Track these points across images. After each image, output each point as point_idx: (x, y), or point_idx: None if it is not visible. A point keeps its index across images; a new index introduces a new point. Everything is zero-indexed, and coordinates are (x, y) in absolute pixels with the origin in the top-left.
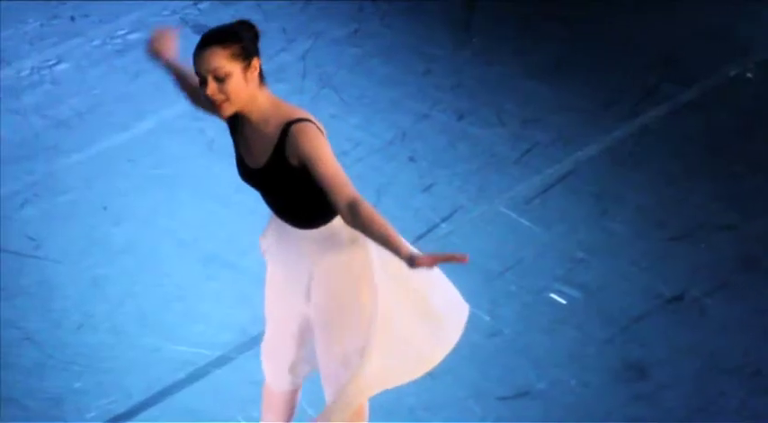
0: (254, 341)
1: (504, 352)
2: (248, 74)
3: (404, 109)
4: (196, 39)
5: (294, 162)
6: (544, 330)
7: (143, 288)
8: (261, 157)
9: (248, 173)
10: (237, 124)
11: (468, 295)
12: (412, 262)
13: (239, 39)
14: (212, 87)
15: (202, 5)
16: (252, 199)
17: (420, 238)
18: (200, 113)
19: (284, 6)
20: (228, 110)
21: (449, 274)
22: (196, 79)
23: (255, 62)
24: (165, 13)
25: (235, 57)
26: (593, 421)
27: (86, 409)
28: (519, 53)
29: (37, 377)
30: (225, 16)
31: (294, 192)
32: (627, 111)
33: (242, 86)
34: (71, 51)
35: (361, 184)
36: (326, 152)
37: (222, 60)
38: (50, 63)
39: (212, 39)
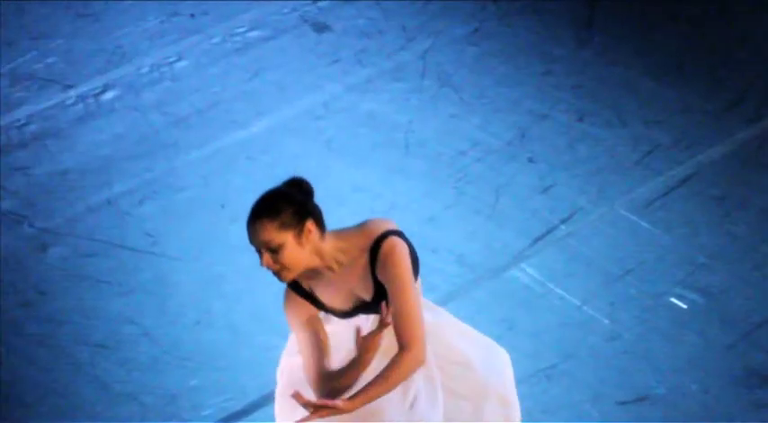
0: None
1: (624, 356)
2: (303, 238)
3: (523, 109)
4: (316, 37)
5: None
6: (664, 335)
7: (259, 286)
8: (361, 295)
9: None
10: (303, 285)
11: (587, 298)
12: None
13: (289, 204)
14: (267, 259)
15: (322, 3)
16: (369, 197)
17: (538, 239)
18: (320, 112)
19: (404, 5)
20: (288, 277)
21: (567, 276)
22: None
23: (310, 225)
24: (285, 11)
25: (285, 226)
26: None
27: (202, 407)
28: (641, 53)
29: (153, 373)
30: (344, 14)
31: None
32: (751, 112)
33: (297, 253)
34: (191, 49)
35: (479, 185)
36: (408, 280)
37: (272, 233)
38: (170, 60)
39: (261, 211)
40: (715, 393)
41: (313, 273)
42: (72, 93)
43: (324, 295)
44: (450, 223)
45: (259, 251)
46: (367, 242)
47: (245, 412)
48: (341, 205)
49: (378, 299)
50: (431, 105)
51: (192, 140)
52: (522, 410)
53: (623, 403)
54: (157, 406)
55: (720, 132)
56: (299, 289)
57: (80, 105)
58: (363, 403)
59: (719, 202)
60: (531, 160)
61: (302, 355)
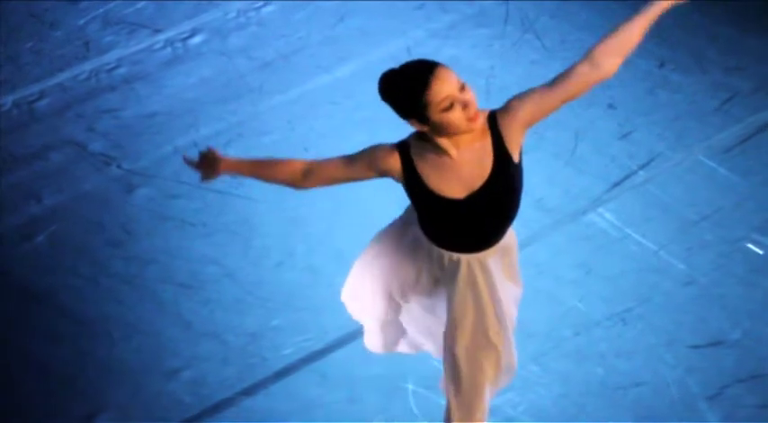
0: None
1: (698, 301)
2: None
3: None
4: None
5: (515, 149)
6: (740, 280)
7: (341, 228)
8: (479, 174)
9: (460, 204)
10: (416, 168)
11: (663, 242)
12: None
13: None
14: (465, 97)
15: None
16: None
17: (616, 185)
18: (403, 57)
19: None
20: (481, 117)
21: (644, 222)
22: (276, 166)
23: None
24: None
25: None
26: None
27: (283, 346)
28: (722, 0)
29: (236, 313)
30: None
31: (519, 189)
32: None
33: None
34: None
35: (559, 130)
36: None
37: (453, 72)
38: (257, 5)
39: (432, 65)
40: None
41: (434, 150)
42: (160, 37)
43: (435, 179)
44: (529, 168)
45: (455, 99)
46: (482, 123)
47: (325, 352)
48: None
49: (493, 184)
50: (513, 51)
51: (277, 85)
52: (596, 352)
53: (697, 347)
54: (239, 345)
55: None
56: (407, 159)
57: (168, 49)
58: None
59: None
60: (610, 106)
61: (329, 167)
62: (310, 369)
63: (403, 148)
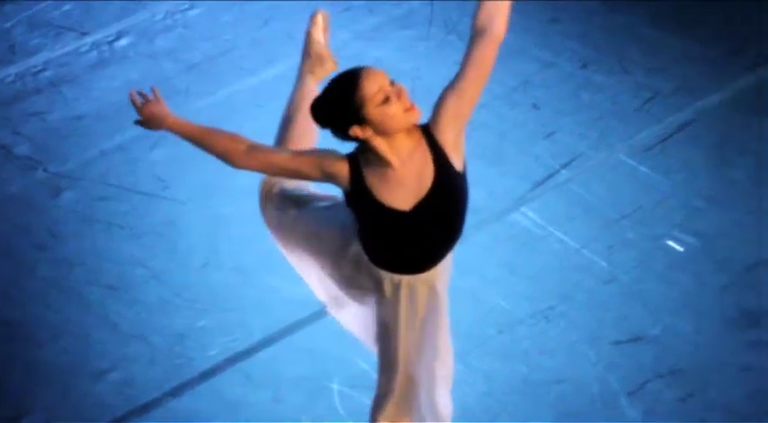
0: None
1: (620, 297)
2: None
3: (529, 56)
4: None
5: (455, 156)
6: (660, 277)
7: (266, 229)
8: (422, 185)
9: (406, 216)
10: (364, 179)
11: (585, 240)
12: None
13: None
14: (398, 87)
15: None
16: None
17: (540, 184)
18: None
19: None
20: (417, 108)
21: (567, 220)
22: (221, 136)
23: None
24: None
25: None
26: (707, 368)
27: (209, 347)
28: (645, 2)
29: (163, 314)
30: None
31: (464, 198)
32: (751, 60)
33: None
34: None
35: (483, 130)
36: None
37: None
38: (183, 8)
39: (360, 68)
40: (708, 334)
41: (379, 163)
42: (87, 40)
43: (383, 190)
44: None
45: (388, 91)
46: (416, 135)
47: (251, 352)
48: (350, 149)
49: (438, 190)
50: (437, 53)
51: (203, 87)
52: (519, 350)
53: (618, 343)
54: (165, 346)
55: (720, 80)
56: (355, 168)
57: (94, 52)
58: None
59: (717, 148)
60: (534, 106)
61: (275, 153)
62: (236, 369)
63: (352, 157)
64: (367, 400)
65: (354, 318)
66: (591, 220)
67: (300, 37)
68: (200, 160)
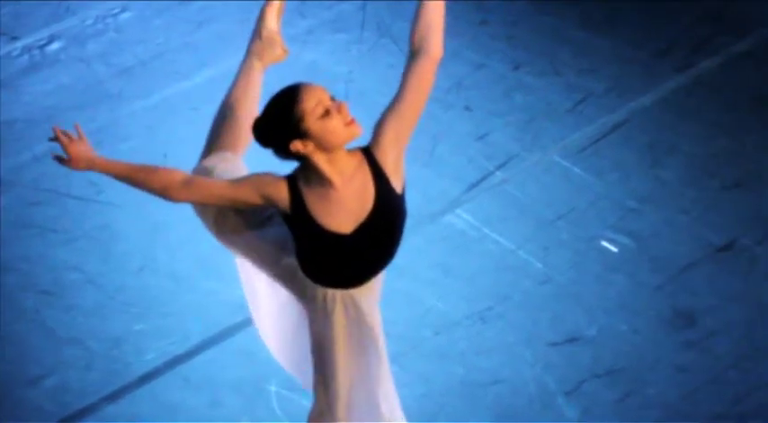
0: None
1: (555, 298)
2: None
3: (460, 59)
4: None
5: (396, 178)
6: (595, 278)
7: (202, 233)
8: (363, 207)
9: (346, 239)
10: (304, 201)
11: (520, 241)
12: None
13: None
14: (342, 102)
15: None
16: None
17: (474, 186)
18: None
19: None
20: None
21: (502, 221)
22: (155, 171)
23: None
24: None
25: None
26: (643, 367)
27: (146, 351)
28: (573, 4)
29: (98, 319)
30: None
31: (403, 220)
32: (680, 61)
33: None
34: (135, 1)
35: (417, 133)
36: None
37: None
38: (114, 12)
39: (299, 83)
40: (644, 334)
41: (326, 179)
42: (18, 44)
43: (322, 213)
44: None
45: (329, 105)
46: (358, 156)
47: (188, 355)
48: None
49: (378, 214)
50: (370, 56)
51: (136, 91)
52: (456, 351)
53: (555, 344)
54: (102, 350)
55: (650, 81)
56: (294, 189)
57: (25, 56)
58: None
59: (649, 148)
60: (467, 108)
61: (212, 183)
62: (174, 373)
63: (291, 179)
64: (305, 402)
65: (280, 333)
66: (526, 221)
67: (234, 40)
68: None
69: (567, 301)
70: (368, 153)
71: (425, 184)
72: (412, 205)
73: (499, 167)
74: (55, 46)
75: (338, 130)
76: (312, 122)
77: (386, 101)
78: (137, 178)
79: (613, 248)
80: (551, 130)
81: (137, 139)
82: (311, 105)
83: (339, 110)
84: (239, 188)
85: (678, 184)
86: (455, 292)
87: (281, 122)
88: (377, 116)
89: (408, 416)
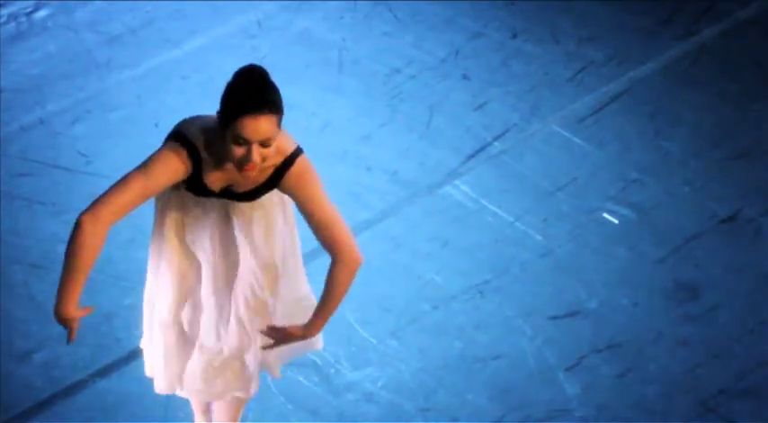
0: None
1: (555, 271)
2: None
3: (457, 27)
4: None
5: (285, 192)
6: (596, 250)
7: None
8: (243, 186)
9: (211, 194)
10: (203, 166)
11: (519, 213)
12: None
13: (280, 97)
14: (258, 153)
15: None
16: (303, 116)
17: (472, 156)
18: (254, 31)
19: None
20: (256, 172)
21: (500, 193)
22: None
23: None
24: None
25: (279, 122)
26: (645, 341)
27: (136, 325)
28: None
29: (88, 293)
30: None
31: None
32: (683, 29)
33: (275, 148)
34: None
35: (413, 102)
36: (323, 192)
37: (274, 128)
38: None
39: (267, 104)
40: (645, 307)
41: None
42: (3, 11)
43: (208, 175)
44: (384, 141)
45: (248, 143)
46: (282, 153)
47: None
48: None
49: (252, 196)
50: (364, 23)
51: (126, 60)
52: (454, 325)
53: (554, 318)
54: (92, 325)
55: (652, 49)
56: (194, 158)
57: (12, 24)
58: (322, 327)
59: (651, 118)
60: (464, 77)
61: (123, 187)
62: None
63: (190, 147)
64: (303, 379)
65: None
66: (525, 192)
67: (224, 7)
68: (124, 134)
69: (567, 274)
70: (290, 163)
71: (422, 155)
72: (408, 176)
73: (497, 138)
74: (42, 13)
75: (233, 160)
76: (229, 134)
77: (380, 69)
78: (75, 261)
79: (614, 220)
80: (551, 99)
81: (126, 109)
82: (238, 132)
83: (248, 158)
84: (156, 175)
85: (681, 154)
86: (453, 265)
87: (227, 105)
88: (371, 85)
89: (406, 390)
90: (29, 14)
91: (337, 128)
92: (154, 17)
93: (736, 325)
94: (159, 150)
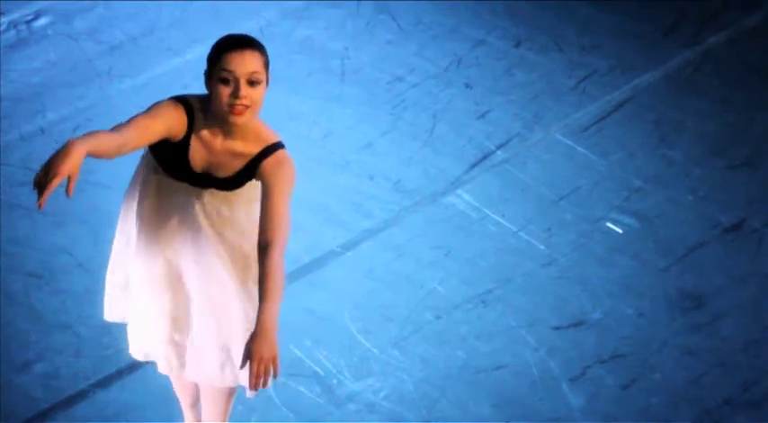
0: (307, 269)
1: (559, 281)
2: (265, 88)
3: (460, 35)
4: None
5: (258, 178)
6: (600, 260)
7: None
8: (223, 170)
9: (193, 175)
10: (192, 137)
11: (522, 223)
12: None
13: (265, 50)
14: (246, 90)
15: None
16: (305, 125)
17: (475, 165)
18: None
19: None
20: (246, 117)
21: (503, 202)
22: (112, 143)
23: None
24: None
25: (266, 67)
26: (649, 352)
27: None
28: None
29: (88, 303)
30: None
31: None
32: (687, 37)
33: (263, 97)
34: None
35: (416, 111)
36: (290, 192)
37: (260, 66)
38: None
39: (250, 42)
40: (649, 316)
41: (216, 126)
42: (4, 19)
43: (194, 149)
44: (386, 150)
45: (237, 80)
46: (264, 141)
47: None
48: (280, 131)
49: (229, 184)
50: (367, 32)
51: (126, 68)
52: (456, 335)
53: (558, 328)
54: (93, 336)
55: (656, 57)
56: (190, 118)
57: (12, 32)
58: (275, 320)
59: (655, 126)
60: (467, 86)
61: (128, 121)
62: None
63: (187, 106)
64: (303, 390)
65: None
66: (528, 201)
67: (226, 14)
68: None
69: (571, 283)
70: (270, 152)
71: (425, 164)
72: (411, 185)
73: (500, 147)
74: (42, 21)
75: (221, 101)
76: (214, 75)
77: (383, 77)
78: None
79: (618, 229)
80: (554, 108)
81: (127, 118)
82: (223, 64)
83: (236, 94)
84: (154, 121)
85: (685, 162)
86: (456, 274)
87: (212, 52)
88: (374, 94)
89: (408, 400)
90: (29, 22)
91: (339, 136)
92: (155, 25)
93: (741, 334)
94: (158, 102)
